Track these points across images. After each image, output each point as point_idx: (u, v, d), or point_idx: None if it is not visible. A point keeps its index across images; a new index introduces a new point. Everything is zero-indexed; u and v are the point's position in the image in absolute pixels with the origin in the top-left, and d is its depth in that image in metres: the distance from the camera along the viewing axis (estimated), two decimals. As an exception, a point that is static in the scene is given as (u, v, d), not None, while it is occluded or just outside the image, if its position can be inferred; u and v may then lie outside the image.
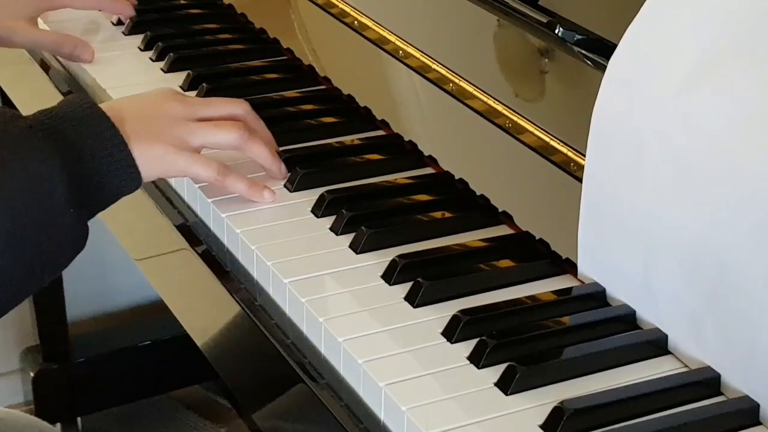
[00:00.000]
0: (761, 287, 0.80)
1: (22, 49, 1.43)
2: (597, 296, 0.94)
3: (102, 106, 0.97)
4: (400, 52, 1.18)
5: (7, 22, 1.30)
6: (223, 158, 1.06)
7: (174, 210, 1.12)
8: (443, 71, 1.12)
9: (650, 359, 0.89)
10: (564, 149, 0.98)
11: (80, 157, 0.93)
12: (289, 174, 1.09)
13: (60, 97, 1.33)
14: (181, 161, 1.00)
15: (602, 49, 0.97)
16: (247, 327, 0.98)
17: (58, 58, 1.38)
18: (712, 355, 0.86)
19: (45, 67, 1.40)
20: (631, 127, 0.88)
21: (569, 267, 0.97)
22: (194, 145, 1.02)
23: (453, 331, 0.89)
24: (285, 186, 1.09)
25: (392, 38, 1.19)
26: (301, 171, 1.09)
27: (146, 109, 1.01)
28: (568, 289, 0.95)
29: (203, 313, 1.10)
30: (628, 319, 0.92)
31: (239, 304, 0.99)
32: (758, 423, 0.83)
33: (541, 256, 0.98)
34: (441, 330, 0.90)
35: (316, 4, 1.31)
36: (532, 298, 0.94)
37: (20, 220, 0.89)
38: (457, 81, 1.10)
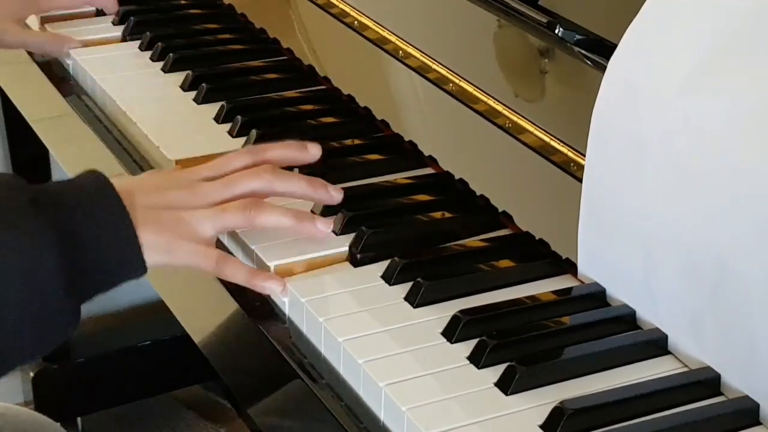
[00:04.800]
0: (761, 287, 0.80)
1: (22, 49, 1.43)
2: (597, 296, 0.94)
3: (115, 184, 0.92)
4: (400, 52, 1.18)
5: None
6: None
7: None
8: (443, 71, 1.12)
9: (650, 359, 0.89)
10: (564, 149, 0.98)
11: (82, 243, 0.89)
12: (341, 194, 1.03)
13: (59, 98, 1.33)
14: (183, 253, 0.95)
15: (602, 49, 0.97)
16: (246, 327, 0.98)
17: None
18: (712, 355, 0.86)
19: (47, 67, 1.40)
20: (631, 127, 0.88)
21: (569, 267, 0.97)
22: (204, 235, 0.96)
23: (453, 331, 0.89)
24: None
25: (392, 38, 1.19)
26: (300, 171, 1.09)
27: (158, 196, 0.95)
28: (568, 289, 0.95)
29: (203, 313, 1.10)
30: (628, 319, 0.92)
31: (239, 305, 0.99)
32: (758, 423, 0.83)
33: (541, 256, 0.98)
34: (441, 330, 0.90)
35: (316, 4, 1.31)
36: (532, 298, 0.94)
37: (11, 306, 0.85)
38: (457, 81, 1.10)
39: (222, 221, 0.96)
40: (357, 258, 0.99)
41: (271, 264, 0.98)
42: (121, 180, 0.93)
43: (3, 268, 0.85)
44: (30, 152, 1.80)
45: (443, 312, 0.92)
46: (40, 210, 0.87)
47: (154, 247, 0.92)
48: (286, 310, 0.96)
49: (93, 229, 0.89)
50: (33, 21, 1.44)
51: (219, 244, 1.06)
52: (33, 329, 0.87)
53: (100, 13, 1.46)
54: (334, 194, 1.02)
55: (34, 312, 0.87)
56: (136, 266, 0.92)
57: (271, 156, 1.02)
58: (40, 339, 0.88)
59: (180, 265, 0.96)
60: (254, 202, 0.97)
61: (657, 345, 0.89)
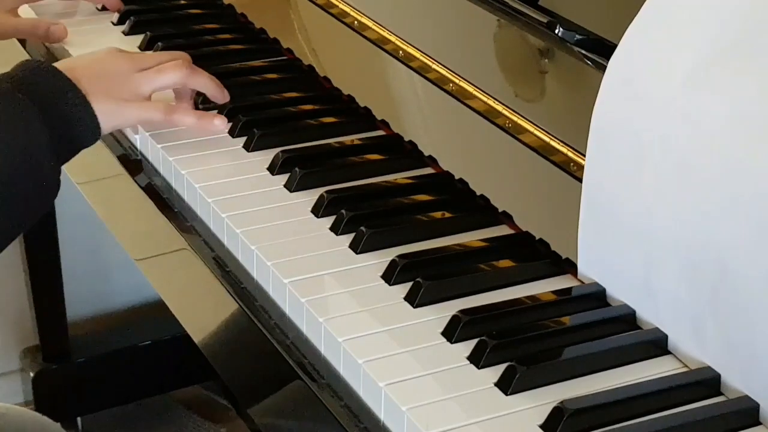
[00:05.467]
0: (761, 287, 0.80)
1: (18, 45, 1.44)
2: (597, 296, 0.94)
3: (58, 66, 1.07)
4: (400, 52, 1.18)
5: None
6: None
7: (174, 210, 1.12)
8: (443, 71, 1.12)
9: (650, 359, 0.89)
10: (564, 149, 0.98)
11: (54, 115, 1.02)
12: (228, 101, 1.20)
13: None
14: (132, 111, 1.11)
15: (602, 49, 0.97)
16: (247, 327, 0.98)
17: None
18: (712, 355, 0.86)
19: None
20: (631, 127, 0.88)
21: (569, 267, 0.97)
22: (144, 93, 1.13)
23: (453, 331, 0.89)
24: (285, 186, 1.09)
25: (392, 38, 1.19)
26: (301, 171, 1.09)
27: (97, 67, 1.10)
28: (568, 289, 0.95)
29: (203, 313, 1.10)
30: (628, 319, 0.92)
31: (239, 304, 0.99)
32: (758, 423, 0.83)
33: (541, 256, 0.98)
34: (441, 330, 0.90)
35: (316, 4, 1.31)
36: (532, 298, 0.94)
37: (14, 173, 0.99)
38: (457, 81, 1.10)
39: (161, 79, 1.13)
40: (357, 258, 0.99)
41: (270, 262, 0.98)
42: (61, 62, 1.09)
43: (10, 142, 0.98)
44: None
45: (443, 312, 0.92)
46: (19, 94, 1.01)
47: (105, 112, 1.07)
48: (286, 310, 0.96)
49: (58, 107, 1.03)
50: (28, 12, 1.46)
51: (219, 244, 1.06)
52: (35, 196, 1.01)
53: (103, 8, 1.46)
54: (227, 94, 1.20)
55: (36, 181, 1.00)
56: (93, 131, 1.06)
57: (199, 82, 1.18)
58: (36, 209, 1.04)
59: (132, 122, 1.13)
60: (189, 65, 1.16)
61: (657, 345, 0.89)
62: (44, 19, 1.39)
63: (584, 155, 0.93)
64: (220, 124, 1.16)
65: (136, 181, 1.18)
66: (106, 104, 1.07)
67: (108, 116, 1.07)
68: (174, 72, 1.15)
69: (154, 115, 1.13)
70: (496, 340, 0.87)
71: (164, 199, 1.14)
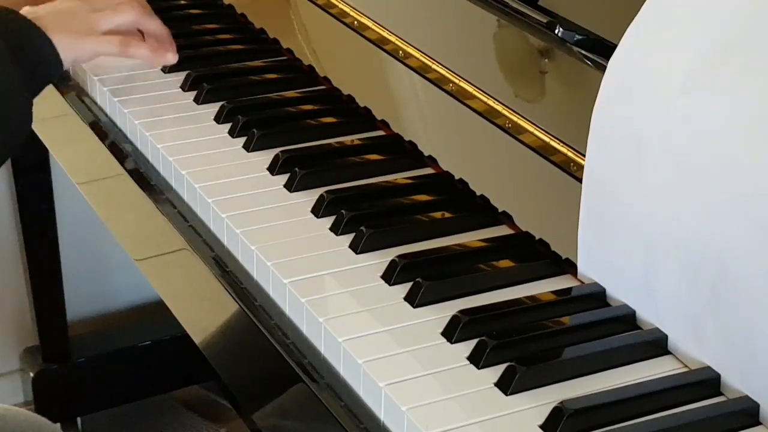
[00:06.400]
0: (761, 287, 0.80)
1: None
2: (597, 296, 0.94)
3: (23, 11, 1.17)
4: (400, 52, 1.18)
5: None
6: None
7: (174, 210, 1.12)
8: (443, 71, 1.12)
9: (650, 359, 0.89)
10: (564, 149, 0.98)
11: (22, 52, 1.12)
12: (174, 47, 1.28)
13: (60, 98, 1.34)
14: (90, 44, 1.20)
15: (602, 49, 0.97)
16: (246, 327, 0.98)
17: None
18: (712, 356, 0.86)
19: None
20: (631, 128, 0.88)
21: (569, 267, 0.97)
22: (100, 29, 1.21)
23: (453, 331, 0.89)
24: (285, 186, 1.09)
25: (392, 38, 1.19)
26: (301, 171, 1.09)
27: (57, 8, 1.20)
28: (568, 289, 0.95)
29: (203, 313, 1.10)
30: (627, 319, 0.92)
31: (239, 304, 0.99)
32: (758, 423, 0.83)
33: (541, 256, 0.98)
34: (441, 330, 0.90)
35: (316, 4, 1.31)
36: (532, 298, 0.94)
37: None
38: (457, 81, 1.10)
39: (116, 18, 1.22)
40: (357, 258, 0.99)
41: (270, 262, 0.98)
42: (24, 9, 1.18)
43: None
44: (30, 152, 1.80)
45: (443, 312, 0.92)
46: None
47: (64, 46, 1.16)
48: (286, 310, 0.96)
49: (23, 45, 1.12)
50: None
51: (219, 244, 1.06)
52: (11, 131, 1.11)
53: None
54: (174, 47, 1.28)
55: (13, 112, 1.10)
56: (55, 64, 1.15)
57: (151, 25, 1.26)
58: (14, 143, 1.13)
59: (90, 54, 1.21)
60: (143, 7, 1.26)
61: (657, 345, 0.89)
62: None
63: (584, 155, 0.93)
64: (171, 57, 1.27)
65: (136, 181, 1.18)
66: (65, 38, 1.16)
67: (67, 49, 1.16)
68: (129, 12, 1.24)
69: (110, 48, 1.22)
70: (496, 340, 0.87)
71: (164, 199, 1.14)
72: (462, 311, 0.90)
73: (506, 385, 0.84)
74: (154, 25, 1.27)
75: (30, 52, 1.13)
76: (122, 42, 1.22)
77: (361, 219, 1.02)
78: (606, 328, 0.91)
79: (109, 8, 1.23)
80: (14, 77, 1.10)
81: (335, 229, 1.02)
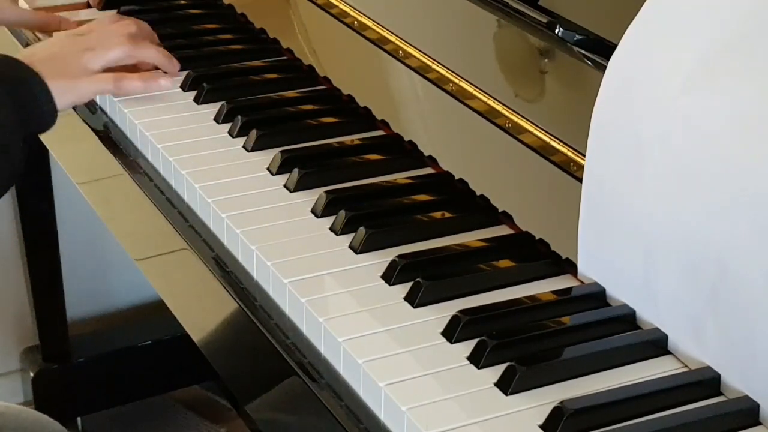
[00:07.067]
0: (761, 287, 0.80)
1: (10, 36, 1.45)
2: (597, 296, 0.94)
3: (19, 55, 1.18)
4: (400, 52, 1.18)
5: None
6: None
7: (174, 210, 1.12)
8: (443, 71, 1.12)
9: (650, 359, 0.89)
10: (564, 149, 0.98)
11: (19, 101, 1.12)
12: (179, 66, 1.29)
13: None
14: (85, 85, 1.20)
15: (602, 49, 0.97)
16: (246, 327, 0.98)
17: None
18: (712, 355, 0.86)
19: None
20: (631, 127, 0.88)
21: (569, 267, 0.97)
22: (94, 69, 1.22)
23: (453, 331, 0.89)
24: (285, 186, 1.09)
25: (392, 38, 1.19)
26: (301, 171, 1.09)
27: (50, 51, 1.21)
28: (568, 289, 0.95)
29: (203, 313, 1.10)
30: (628, 319, 0.92)
31: (239, 304, 0.99)
32: (758, 423, 0.83)
33: (541, 256, 0.98)
34: (441, 330, 0.90)
35: (316, 4, 1.31)
36: (532, 298, 0.94)
37: None
38: (457, 81, 1.10)
39: (108, 56, 1.23)
40: (357, 258, 0.99)
41: (270, 262, 0.98)
42: (20, 53, 1.20)
43: None
44: (30, 152, 1.80)
45: (443, 312, 0.92)
46: None
47: (60, 90, 1.16)
48: (286, 310, 0.96)
49: (22, 93, 1.13)
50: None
51: (219, 244, 1.06)
52: (7, 170, 1.11)
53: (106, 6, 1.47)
54: (176, 63, 1.30)
55: (9, 158, 1.10)
56: (51, 112, 1.15)
57: (145, 54, 1.27)
58: (8, 181, 1.14)
59: (87, 96, 1.22)
60: (134, 38, 1.26)
61: (657, 345, 0.89)
62: (55, 15, 1.40)
63: (584, 155, 0.93)
64: (165, 83, 1.26)
65: (136, 181, 1.18)
66: (61, 82, 1.17)
67: (64, 94, 1.17)
68: (119, 49, 1.24)
69: (104, 86, 1.23)
70: (496, 340, 0.87)
71: (164, 198, 1.14)
72: (462, 311, 0.90)
73: (506, 385, 0.84)
74: (146, 54, 1.27)
75: (28, 101, 1.14)
76: (116, 79, 1.23)
77: (361, 219, 1.02)
78: (606, 328, 0.91)
79: (101, 46, 1.23)
80: (12, 125, 1.11)
81: (335, 229, 1.02)
